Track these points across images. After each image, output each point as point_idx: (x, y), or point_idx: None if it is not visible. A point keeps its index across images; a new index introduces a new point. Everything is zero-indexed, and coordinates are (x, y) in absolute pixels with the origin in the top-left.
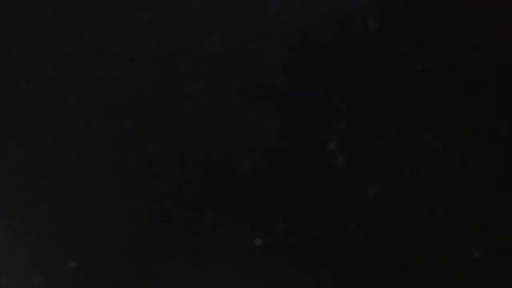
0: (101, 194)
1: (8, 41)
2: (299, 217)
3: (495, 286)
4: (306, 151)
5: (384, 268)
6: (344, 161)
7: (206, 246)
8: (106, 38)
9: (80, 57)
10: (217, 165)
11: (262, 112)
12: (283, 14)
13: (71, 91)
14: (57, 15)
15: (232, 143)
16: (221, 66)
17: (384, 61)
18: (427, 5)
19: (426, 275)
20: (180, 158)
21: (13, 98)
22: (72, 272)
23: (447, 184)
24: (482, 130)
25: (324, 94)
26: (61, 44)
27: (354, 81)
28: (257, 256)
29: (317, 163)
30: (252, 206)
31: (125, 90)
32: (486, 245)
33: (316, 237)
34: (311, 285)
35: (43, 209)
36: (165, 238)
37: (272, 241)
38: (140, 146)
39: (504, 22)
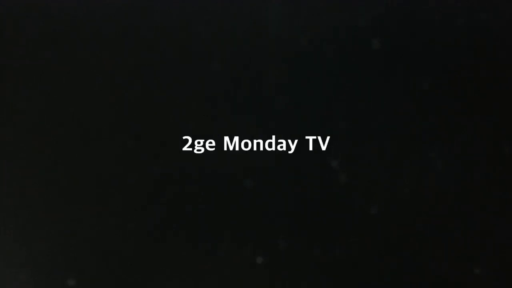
0: (100, 213)
1: (10, 63)
2: (301, 235)
3: None
4: (309, 169)
5: (386, 285)
6: (346, 179)
7: (207, 263)
8: (111, 59)
9: (84, 78)
10: (219, 183)
11: (264, 130)
12: (285, 35)
13: (74, 111)
14: (62, 37)
15: (234, 161)
16: (223, 86)
17: (386, 81)
18: (430, 25)
19: None
20: (181, 177)
21: (15, 118)
22: None
23: (449, 201)
24: (484, 149)
25: (327, 112)
26: (65, 66)
27: (357, 100)
28: (259, 273)
29: (320, 180)
30: (254, 224)
31: (128, 109)
32: (486, 261)
33: (318, 254)
34: None
35: (42, 227)
36: (166, 256)
37: (274, 258)
38: (141, 165)
39: (506, 42)
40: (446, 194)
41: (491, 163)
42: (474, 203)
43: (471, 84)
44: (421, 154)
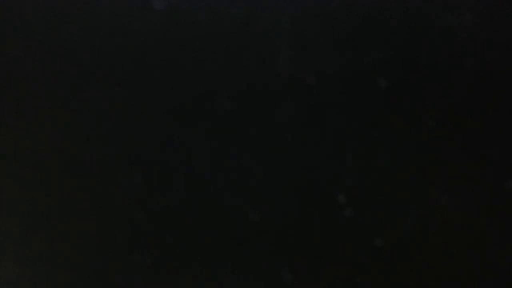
0: (107, 247)
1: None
2: (307, 268)
3: None
4: (315, 203)
5: None
6: (352, 213)
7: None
8: (118, 94)
9: (91, 112)
10: (224, 217)
11: (271, 165)
12: (292, 73)
13: (80, 145)
14: (68, 70)
15: (240, 195)
16: (230, 123)
17: (392, 119)
18: (437, 64)
19: None
20: (187, 210)
21: (17, 155)
22: None
23: (454, 236)
24: (488, 185)
25: (334, 149)
26: (71, 99)
27: (363, 138)
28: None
29: (326, 214)
30: (259, 257)
31: (136, 144)
32: None
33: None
34: None
35: (47, 267)
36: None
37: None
38: (149, 200)
39: None
40: (451, 229)
41: (495, 198)
42: (479, 239)
43: (478, 122)
44: (426, 190)
